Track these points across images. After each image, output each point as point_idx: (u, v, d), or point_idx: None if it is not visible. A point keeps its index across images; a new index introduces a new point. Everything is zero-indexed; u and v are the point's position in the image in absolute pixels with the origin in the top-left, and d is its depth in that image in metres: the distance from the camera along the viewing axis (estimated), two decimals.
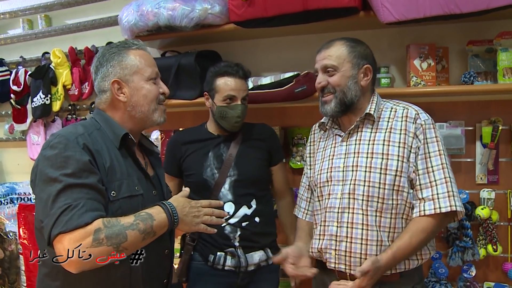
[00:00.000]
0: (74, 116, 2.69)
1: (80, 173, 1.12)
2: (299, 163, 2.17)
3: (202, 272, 1.82)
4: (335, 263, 1.45)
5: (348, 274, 1.43)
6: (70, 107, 2.69)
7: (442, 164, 1.40)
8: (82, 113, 2.71)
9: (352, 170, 1.45)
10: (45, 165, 1.13)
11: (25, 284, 2.72)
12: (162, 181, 1.41)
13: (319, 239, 1.50)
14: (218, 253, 1.78)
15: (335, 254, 1.45)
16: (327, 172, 1.51)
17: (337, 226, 1.45)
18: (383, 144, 1.43)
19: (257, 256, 1.77)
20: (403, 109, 1.47)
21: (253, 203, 1.79)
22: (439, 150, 1.41)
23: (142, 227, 1.14)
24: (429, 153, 1.41)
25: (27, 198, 2.85)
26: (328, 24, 1.88)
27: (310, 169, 1.65)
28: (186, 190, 1.32)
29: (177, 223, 1.22)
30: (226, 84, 1.77)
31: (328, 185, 1.50)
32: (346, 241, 1.43)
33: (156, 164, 1.44)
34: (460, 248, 1.90)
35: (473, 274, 1.93)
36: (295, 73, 1.99)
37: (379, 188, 1.40)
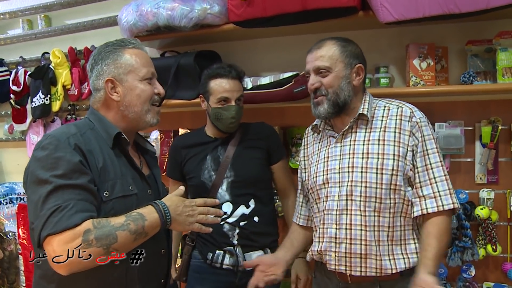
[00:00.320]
0: (73, 116, 2.68)
1: (71, 174, 1.10)
2: (298, 163, 2.16)
3: (200, 270, 1.82)
4: (335, 264, 1.45)
5: (348, 275, 1.43)
6: (69, 107, 2.69)
7: (440, 161, 1.41)
8: (81, 113, 2.70)
9: (348, 172, 1.44)
10: (36, 167, 1.12)
11: (24, 284, 2.72)
12: (158, 180, 1.40)
13: (319, 241, 1.50)
14: (217, 251, 1.78)
15: (335, 256, 1.44)
16: (323, 175, 1.50)
17: (336, 228, 1.44)
18: (378, 144, 1.43)
19: (255, 256, 1.76)
20: (397, 107, 1.46)
21: (251, 203, 1.78)
22: (436, 148, 1.42)
23: (133, 227, 1.11)
24: (427, 150, 1.41)
25: None
26: (327, 24, 1.88)
27: (305, 172, 1.64)
28: (181, 189, 1.29)
29: (170, 222, 1.19)
30: (219, 86, 1.77)
31: (325, 188, 1.49)
32: (346, 243, 1.42)
33: (151, 163, 1.42)
34: (459, 248, 1.89)
35: (473, 274, 1.92)
36: (294, 73, 2.00)
37: (376, 188, 1.40)
